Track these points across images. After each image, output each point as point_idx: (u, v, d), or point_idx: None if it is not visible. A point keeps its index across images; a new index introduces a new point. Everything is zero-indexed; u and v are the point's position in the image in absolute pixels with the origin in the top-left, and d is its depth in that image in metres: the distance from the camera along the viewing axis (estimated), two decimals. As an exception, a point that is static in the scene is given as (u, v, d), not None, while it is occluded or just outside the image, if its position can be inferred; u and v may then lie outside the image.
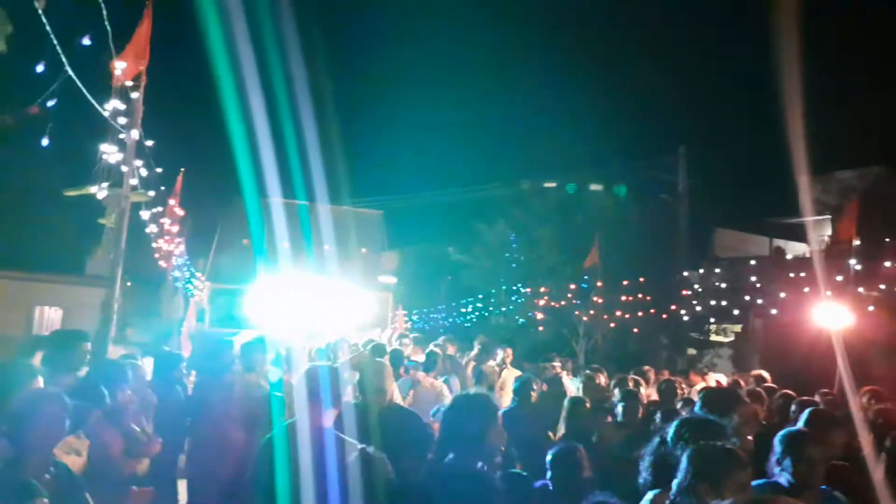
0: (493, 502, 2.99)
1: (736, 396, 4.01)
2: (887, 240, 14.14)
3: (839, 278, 13.23)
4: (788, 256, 18.14)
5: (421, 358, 7.57)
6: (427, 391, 5.67)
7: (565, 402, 5.61)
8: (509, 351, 9.52)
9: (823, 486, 3.26)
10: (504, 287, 20.28)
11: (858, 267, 13.53)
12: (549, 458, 3.35)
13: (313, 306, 7.99)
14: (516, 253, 20.89)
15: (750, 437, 3.70)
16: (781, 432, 3.31)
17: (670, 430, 3.06)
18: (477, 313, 21.54)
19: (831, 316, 9.37)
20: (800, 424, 3.95)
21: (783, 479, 3.19)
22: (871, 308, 12.80)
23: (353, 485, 3.12)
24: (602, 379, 7.42)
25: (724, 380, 9.23)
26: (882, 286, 13.23)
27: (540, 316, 18.30)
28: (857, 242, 14.23)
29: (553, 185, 20.77)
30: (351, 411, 3.83)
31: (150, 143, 10.09)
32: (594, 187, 20.31)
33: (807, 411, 4.13)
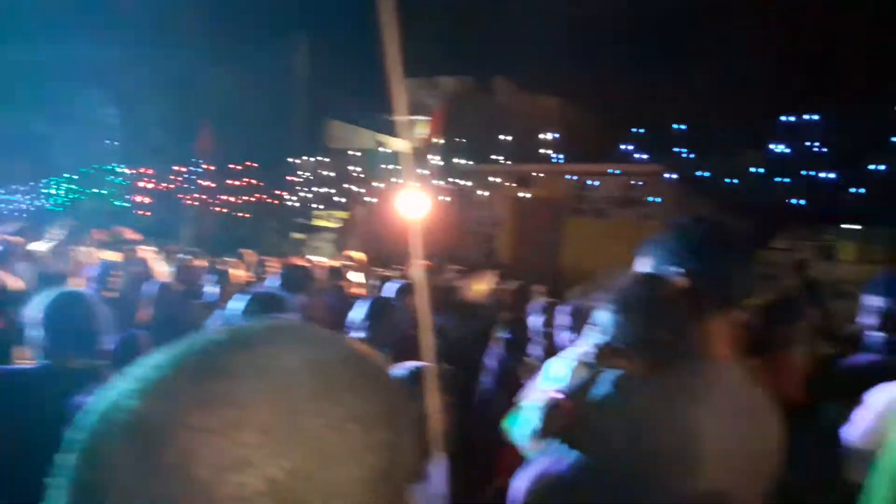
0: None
1: (308, 275, 4.36)
2: (463, 140, 16.63)
3: (425, 172, 15.21)
4: (389, 151, 19.96)
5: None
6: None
7: (154, 288, 5.37)
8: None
9: None
10: (100, 166, 18.07)
11: (440, 163, 15.74)
12: (111, 345, 3.19)
13: None
14: (116, 129, 18.68)
15: (320, 310, 4.08)
16: (368, 301, 3.68)
17: (242, 304, 3.17)
18: (67, 195, 18.88)
19: (413, 205, 10.81)
20: (388, 293, 4.54)
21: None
22: (445, 198, 15.11)
23: None
24: (198, 263, 7.29)
25: (325, 262, 9.95)
26: (453, 180, 15.68)
27: (143, 199, 16.93)
28: (440, 141, 16.50)
29: (165, 54, 18.84)
30: None
31: None
32: (211, 65, 19.11)
33: (390, 283, 4.80)
